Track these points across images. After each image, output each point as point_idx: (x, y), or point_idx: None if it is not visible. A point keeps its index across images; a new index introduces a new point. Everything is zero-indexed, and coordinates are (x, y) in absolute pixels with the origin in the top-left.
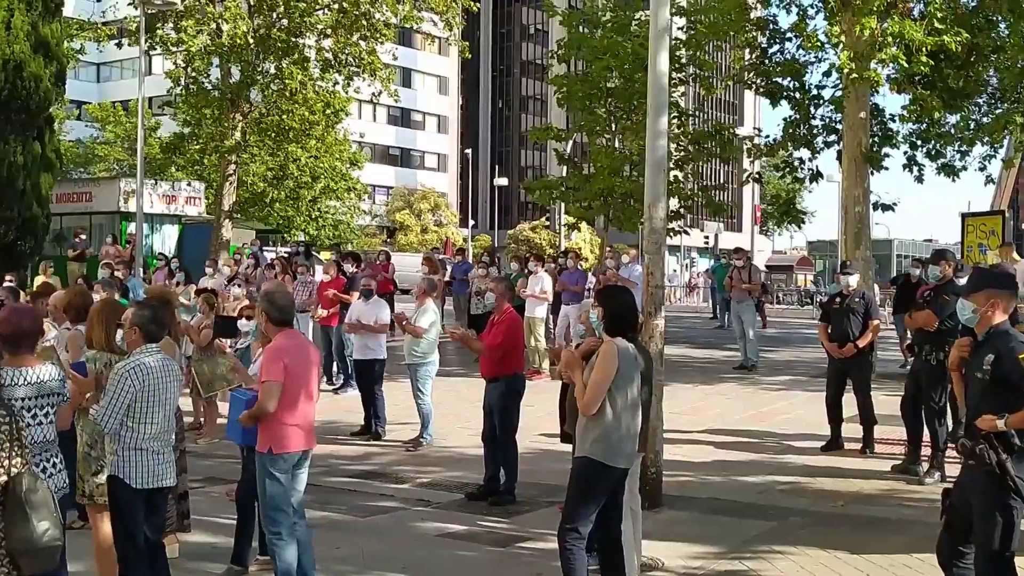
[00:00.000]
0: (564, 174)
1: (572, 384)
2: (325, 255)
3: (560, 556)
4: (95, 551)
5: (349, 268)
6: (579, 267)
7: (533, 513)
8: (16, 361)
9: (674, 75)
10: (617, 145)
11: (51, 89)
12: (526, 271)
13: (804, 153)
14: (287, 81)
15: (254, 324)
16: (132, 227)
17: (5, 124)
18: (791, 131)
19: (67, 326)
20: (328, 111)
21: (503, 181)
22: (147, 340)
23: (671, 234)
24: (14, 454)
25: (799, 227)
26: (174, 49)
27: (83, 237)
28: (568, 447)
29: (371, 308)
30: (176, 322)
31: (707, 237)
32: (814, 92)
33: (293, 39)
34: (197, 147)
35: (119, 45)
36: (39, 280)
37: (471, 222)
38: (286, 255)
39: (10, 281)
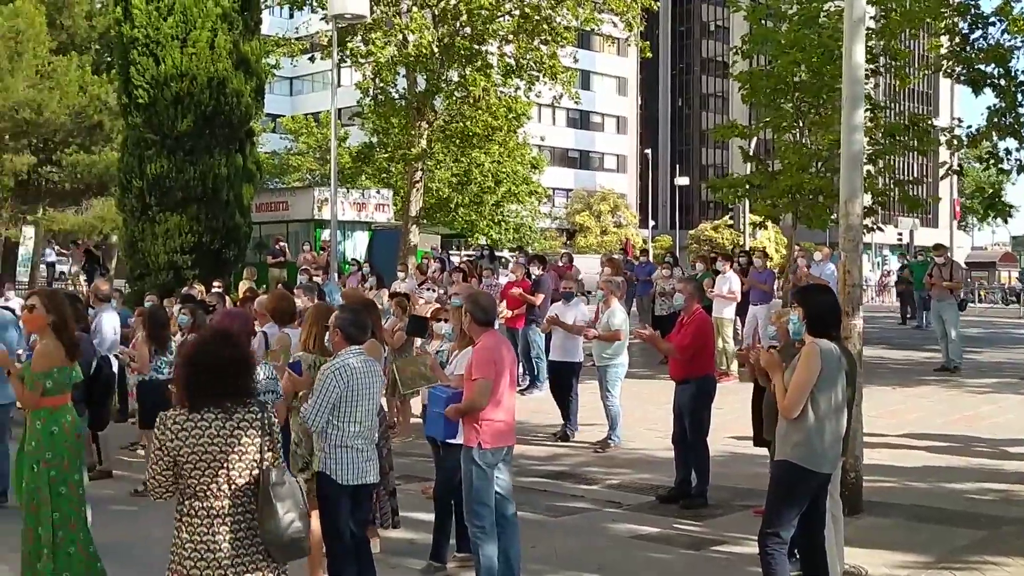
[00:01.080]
0: (749, 172)
1: (766, 387)
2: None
3: (761, 561)
4: None
5: (535, 270)
6: (767, 266)
7: (727, 517)
8: None
9: (866, 66)
10: (804, 141)
11: (251, 104)
12: (711, 271)
13: (1010, 143)
14: (471, 88)
15: (450, 326)
16: (326, 234)
17: (210, 138)
18: (996, 120)
19: (272, 328)
20: (510, 116)
21: (684, 180)
22: (349, 342)
23: (864, 231)
24: (266, 448)
25: (1005, 221)
26: (363, 61)
27: (283, 244)
28: (761, 451)
29: (570, 309)
30: (381, 325)
31: (901, 234)
32: (1021, 79)
33: (476, 46)
34: (385, 155)
35: (312, 59)
36: (243, 286)
37: (651, 223)
38: (470, 259)
39: (218, 287)
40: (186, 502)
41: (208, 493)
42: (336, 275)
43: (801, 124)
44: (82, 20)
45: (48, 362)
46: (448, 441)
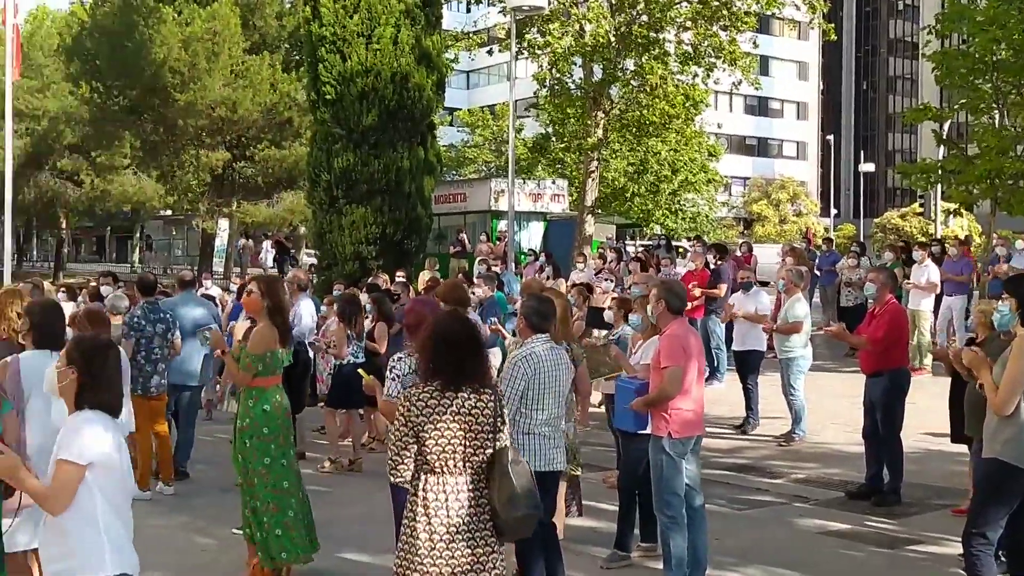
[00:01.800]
0: (941, 156)
1: (969, 381)
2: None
3: (965, 562)
4: None
5: (714, 260)
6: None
7: (922, 516)
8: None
9: None
10: (1004, 123)
11: (432, 98)
12: (901, 261)
13: None
14: (647, 76)
15: (639, 317)
16: (502, 224)
17: (393, 132)
18: None
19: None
20: (687, 104)
21: (869, 167)
22: (534, 331)
23: None
24: (499, 429)
25: None
26: (540, 52)
27: (464, 235)
28: (958, 447)
29: (750, 299)
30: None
31: None
32: None
33: (653, 34)
34: (561, 146)
35: (490, 52)
36: (425, 276)
37: (833, 211)
38: (646, 248)
39: (402, 277)
40: (423, 477)
41: (445, 469)
42: (513, 265)
43: (1001, 105)
44: (273, 20)
45: (264, 345)
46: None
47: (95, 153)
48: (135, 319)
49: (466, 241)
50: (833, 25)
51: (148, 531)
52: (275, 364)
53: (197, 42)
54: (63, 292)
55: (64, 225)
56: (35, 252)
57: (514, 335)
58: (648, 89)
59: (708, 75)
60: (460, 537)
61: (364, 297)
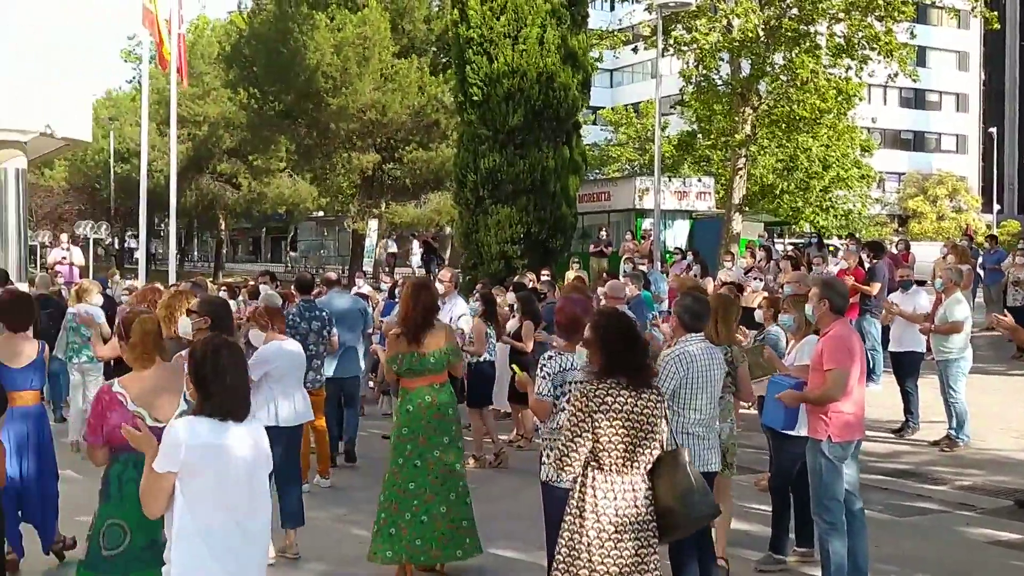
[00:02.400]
0: None
1: None
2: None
3: None
4: None
5: (868, 258)
6: None
7: None
8: (571, 347)
9: None
10: None
11: (578, 97)
12: None
13: None
14: (798, 70)
15: (790, 317)
16: (647, 223)
17: (539, 132)
18: None
19: None
20: (839, 98)
21: None
22: (687, 330)
23: None
24: (667, 427)
25: None
26: (686, 49)
27: (604, 234)
28: None
29: (909, 298)
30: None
31: None
32: None
33: (804, 27)
34: (707, 143)
35: (635, 50)
36: (570, 275)
37: (995, 207)
38: (796, 247)
39: (547, 275)
40: (590, 474)
41: (615, 467)
42: (659, 264)
43: None
44: (421, 24)
45: (392, 348)
46: (786, 433)
47: (252, 157)
48: (292, 317)
49: (606, 239)
50: (996, 13)
51: (307, 522)
52: (421, 365)
53: (348, 47)
54: (224, 291)
55: (223, 226)
56: (196, 252)
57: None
58: (798, 83)
59: (862, 68)
60: (628, 535)
61: (510, 296)
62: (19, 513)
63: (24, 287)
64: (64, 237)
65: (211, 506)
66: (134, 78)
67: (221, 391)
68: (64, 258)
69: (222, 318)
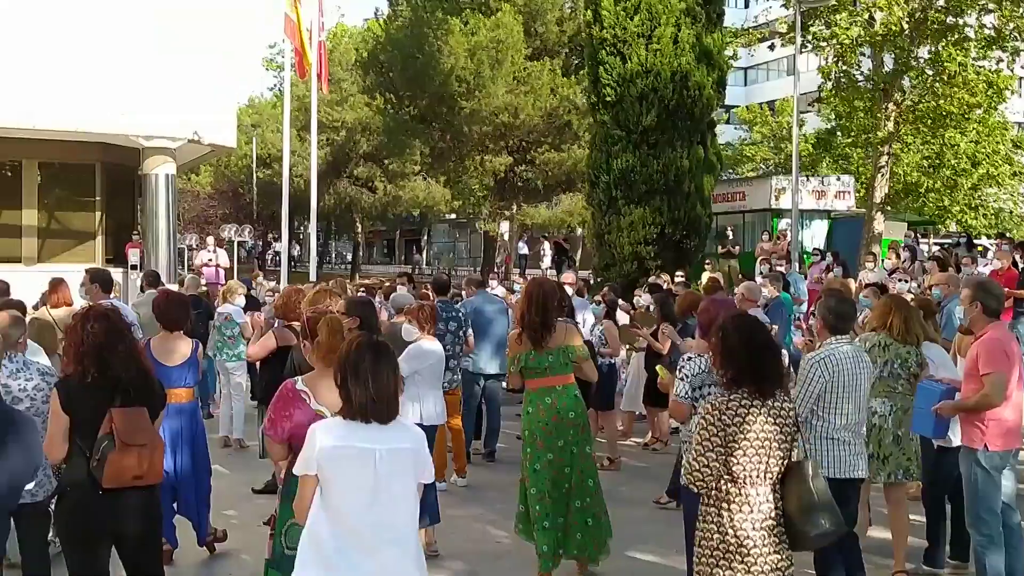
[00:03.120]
0: None
1: None
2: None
3: None
4: None
5: (1020, 259)
6: None
7: None
8: (702, 348)
9: None
10: None
11: (712, 96)
12: None
13: None
14: (945, 64)
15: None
16: (783, 223)
17: (673, 132)
18: None
19: None
20: (989, 92)
21: None
22: (832, 332)
23: None
24: (795, 438)
25: None
26: (824, 44)
27: (731, 235)
28: None
29: None
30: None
31: None
32: None
33: (951, 19)
34: (847, 141)
35: (771, 47)
36: (705, 276)
37: None
38: (943, 247)
39: (681, 276)
40: (724, 487)
41: (749, 479)
42: (797, 265)
43: None
44: (553, 26)
45: (511, 348)
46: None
47: (388, 161)
48: None
49: (732, 240)
50: None
51: (445, 520)
52: (539, 365)
53: (482, 51)
54: (363, 292)
55: (359, 229)
56: (333, 255)
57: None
58: (945, 78)
59: (1013, 60)
60: (765, 548)
61: (647, 298)
62: (174, 506)
63: (173, 288)
64: (211, 240)
65: (344, 508)
66: (275, 86)
67: (363, 393)
68: (210, 260)
69: (369, 318)
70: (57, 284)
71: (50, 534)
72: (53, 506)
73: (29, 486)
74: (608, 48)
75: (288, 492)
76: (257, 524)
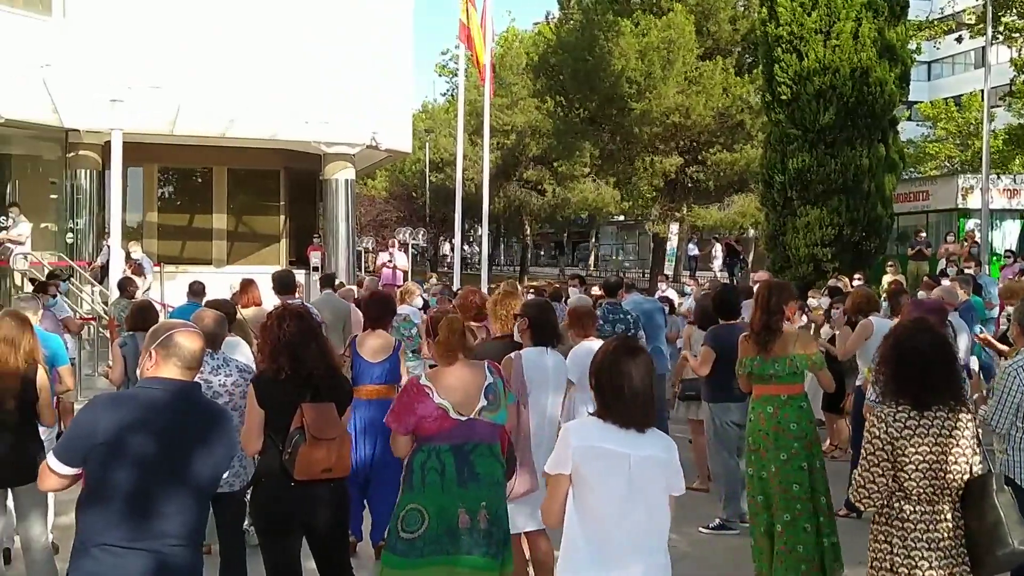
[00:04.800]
0: None
1: None
2: None
3: None
4: None
5: None
6: None
7: None
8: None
9: None
10: None
11: (895, 91)
12: None
13: None
14: None
15: None
16: (970, 224)
17: (852, 130)
18: None
19: None
20: None
21: None
22: None
23: None
24: (974, 451)
25: None
26: (1017, 36)
27: (923, 236)
28: None
29: None
30: None
31: None
32: None
33: None
34: None
35: (959, 39)
36: (887, 279)
37: None
38: None
39: (859, 279)
40: (897, 504)
41: (923, 496)
42: (987, 268)
43: None
44: (726, 24)
45: (742, 351)
46: None
47: (557, 163)
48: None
49: (924, 240)
50: None
51: None
52: (763, 371)
53: (653, 52)
54: (531, 293)
55: (527, 231)
56: (502, 257)
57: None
58: None
59: None
60: (943, 568)
61: (824, 301)
62: (364, 500)
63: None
64: (393, 242)
65: (598, 513)
66: (448, 91)
67: (619, 397)
68: (388, 262)
69: (545, 319)
70: (247, 285)
71: (246, 522)
72: (248, 495)
73: (226, 475)
74: (784, 45)
75: (412, 482)
76: None
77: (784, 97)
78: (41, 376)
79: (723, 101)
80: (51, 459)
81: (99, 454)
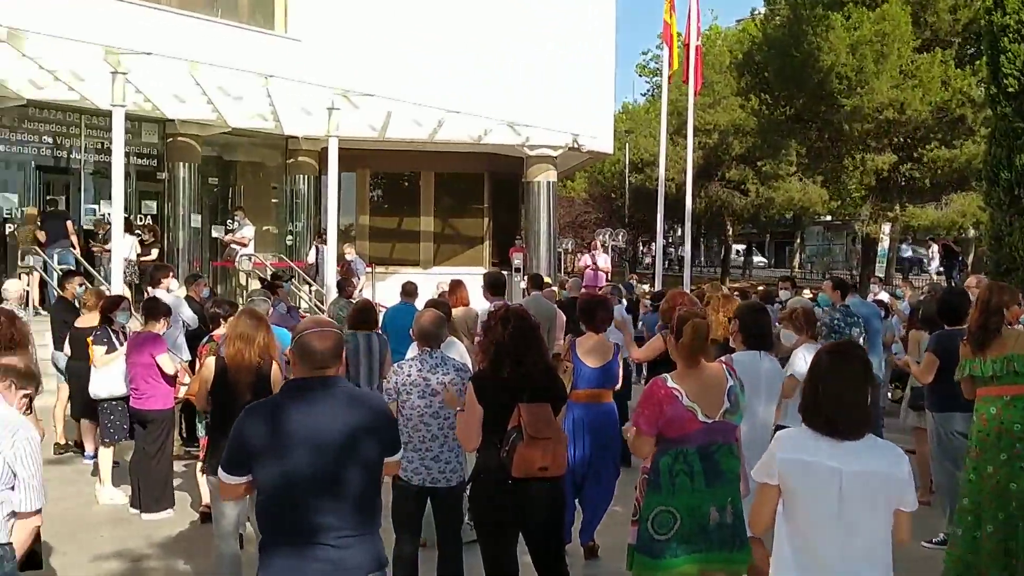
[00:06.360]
0: None
1: None
2: None
3: None
4: None
5: None
6: None
7: None
8: None
9: None
10: None
11: None
12: None
13: None
14: None
15: None
16: None
17: None
18: None
19: None
20: None
21: None
22: None
23: None
24: None
25: None
26: None
27: None
28: None
29: None
30: None
31: None
32: None
33: None
34: None
35: None
36: None
37: None
38: None
39: None
40: None
41: None
42: None
43: None
44: (946, 15)
45: (961, 355)
46: None
47: (761, 162)
48: (835, 321)
49: None
50: None
51: None
52: (981, 373)
53: (865, 45)
54: (737, 295)
55: (729, 232)
56: (702, 258)
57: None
58: None
59: None
60: None
61: None
62: (576, 500)
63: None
64: (597, 243)
65: (805, 529)
66: (648, 91)
67: (829, 402)
68: (591, 263)
69: (757, 322)
70: (456, 286)
71: (465, 518)
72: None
73: (443, 472)
74: (1011, 35)
75: (659, 483)
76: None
77: (1011, 89)
78: (275, 371)
79: (942, 95)
80: (220, 472)
81: (259, 460)
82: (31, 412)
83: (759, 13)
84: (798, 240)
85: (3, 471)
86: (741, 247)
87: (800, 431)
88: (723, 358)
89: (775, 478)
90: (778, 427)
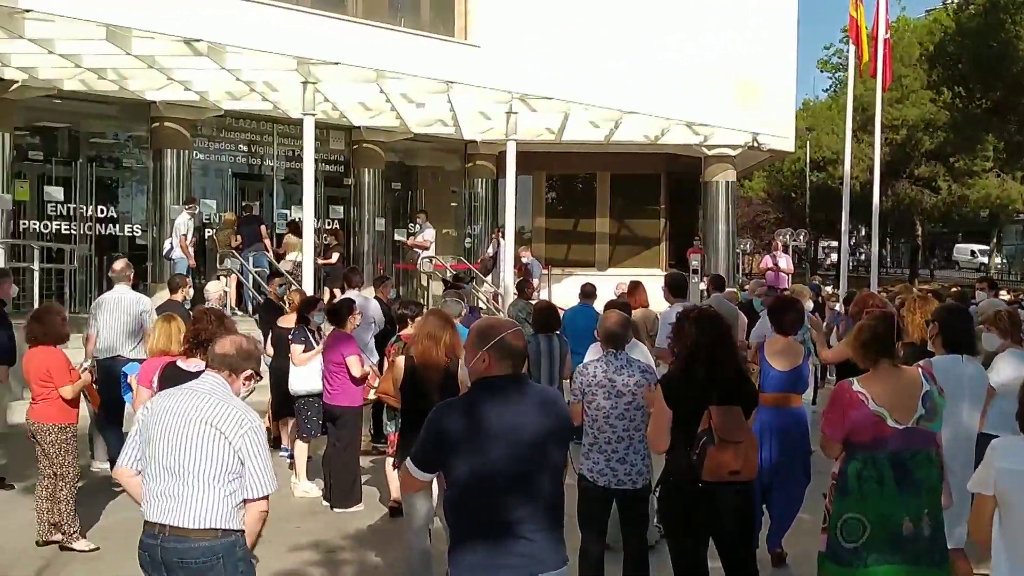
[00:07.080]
0: None
1: None
2: None
3: None
4: None
5: None
6: None
7: None
8: None
9: None
10: None
11: None
12: None
13: None
14: None
15: None
16: None
17: None
18: None
19: None
20: None
21: None
22: None
23: None
24: None
25: None
26: None
27: None
28: None
29: None
30: None
31: None
32: None
33: None
34: None
35: None
36: None
37: None
38: None
39: None
40: None
41: None
42: None
43: None
44: None
45: None
46: None
47: (954, 158)
48: None
49: None
50: None
51: None
52: None
53: None
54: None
55: (919, 231)
56: (889, 258)
57: None
58: None
59: None
60: None
61: None
62: (763, 506)
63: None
64: (778, 243)
65: (1022, 542)
66: (830, 87)
67: None
68: (773, 264)
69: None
70: (635, 287)
71: (653, 521)
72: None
73: (628, 474)
74: None
75: (847, 489)
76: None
77: None
78: (462, 370)
79: None
80: (409, 465)
81: (455, 456)
82: (258, 382)
83: (951, 2)
84: (994, 239)
85: (233, 462)
86: (976, 247)
87: (1018, 440)
88: (921, 362)
89: (991, 488)
90: (982, 436)
